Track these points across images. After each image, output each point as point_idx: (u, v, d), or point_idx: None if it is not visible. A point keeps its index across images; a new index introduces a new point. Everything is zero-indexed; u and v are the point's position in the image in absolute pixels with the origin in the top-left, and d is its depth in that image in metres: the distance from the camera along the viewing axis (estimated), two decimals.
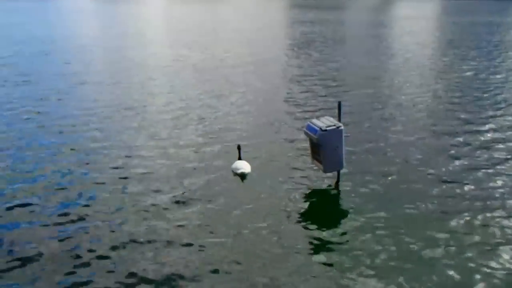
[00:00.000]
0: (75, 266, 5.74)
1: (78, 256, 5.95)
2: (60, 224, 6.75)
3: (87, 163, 8.99)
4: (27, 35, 27.32)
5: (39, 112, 12.31)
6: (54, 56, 20.85)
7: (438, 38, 27.54)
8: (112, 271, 5.66)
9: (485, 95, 14.38)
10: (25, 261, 5.86)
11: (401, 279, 5.57)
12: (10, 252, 6.05)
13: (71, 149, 9.71)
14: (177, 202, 7.45)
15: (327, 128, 7.58)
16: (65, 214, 7.03)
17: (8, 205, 7.34)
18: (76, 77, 16.64)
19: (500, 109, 12.89)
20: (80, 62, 19.19)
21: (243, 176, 8.39)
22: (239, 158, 8.70)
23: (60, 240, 6.33)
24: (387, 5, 57.56)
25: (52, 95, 14.05)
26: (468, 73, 17.19)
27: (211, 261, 5.88)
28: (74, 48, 23.02)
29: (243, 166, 8.49)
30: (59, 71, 17.59)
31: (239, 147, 8.70)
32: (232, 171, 8.55)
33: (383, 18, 41.00)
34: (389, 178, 8.39)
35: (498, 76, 17.01)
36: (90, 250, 6.09)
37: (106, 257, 5.94)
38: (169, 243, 6.29)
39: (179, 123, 11.59)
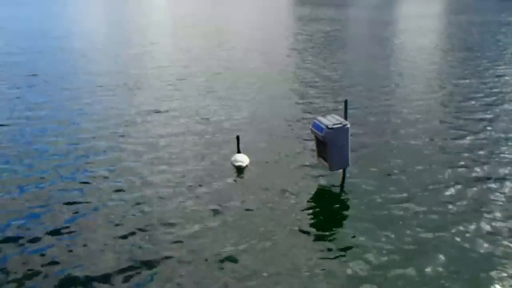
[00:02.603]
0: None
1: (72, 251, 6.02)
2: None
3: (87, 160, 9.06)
4: (37, 30, 27.33)
5: (47, 115, 11.83)
6: (61, 53, 20.88)
7: (447, 37, 27.40)
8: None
9: (497, 97, 14.07)
10: None
11: (406, 276, 5.60)
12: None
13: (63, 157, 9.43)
14: (174, 191, 7.57)
15: (334, 126, 7.61)
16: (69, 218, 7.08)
17: (11, 206, 7.36)
18: (84, 79, 16.63)
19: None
20: (90, 61, 19.17)
21: (240, 169, 8.52)
22: (238, 151, 8.80)
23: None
24: (393, 2, 57.35)
25: (61, 97, 13.89)
26: (480, 75, 17.01)
27: (205, 256, 5.96)
28: (86, 45, 22.99)
29: (242, 159, 8.64)
30: (71, 70, 17.49)
31: (237, 138, 8.84)
32: (232, 164, 8.68)
33: (389, 16, 40.86)
34: (395, 176, 8.42)
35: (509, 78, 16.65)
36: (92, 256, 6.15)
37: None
38: (164, 236, 6.37)
39: (183, 119, 11.63)
